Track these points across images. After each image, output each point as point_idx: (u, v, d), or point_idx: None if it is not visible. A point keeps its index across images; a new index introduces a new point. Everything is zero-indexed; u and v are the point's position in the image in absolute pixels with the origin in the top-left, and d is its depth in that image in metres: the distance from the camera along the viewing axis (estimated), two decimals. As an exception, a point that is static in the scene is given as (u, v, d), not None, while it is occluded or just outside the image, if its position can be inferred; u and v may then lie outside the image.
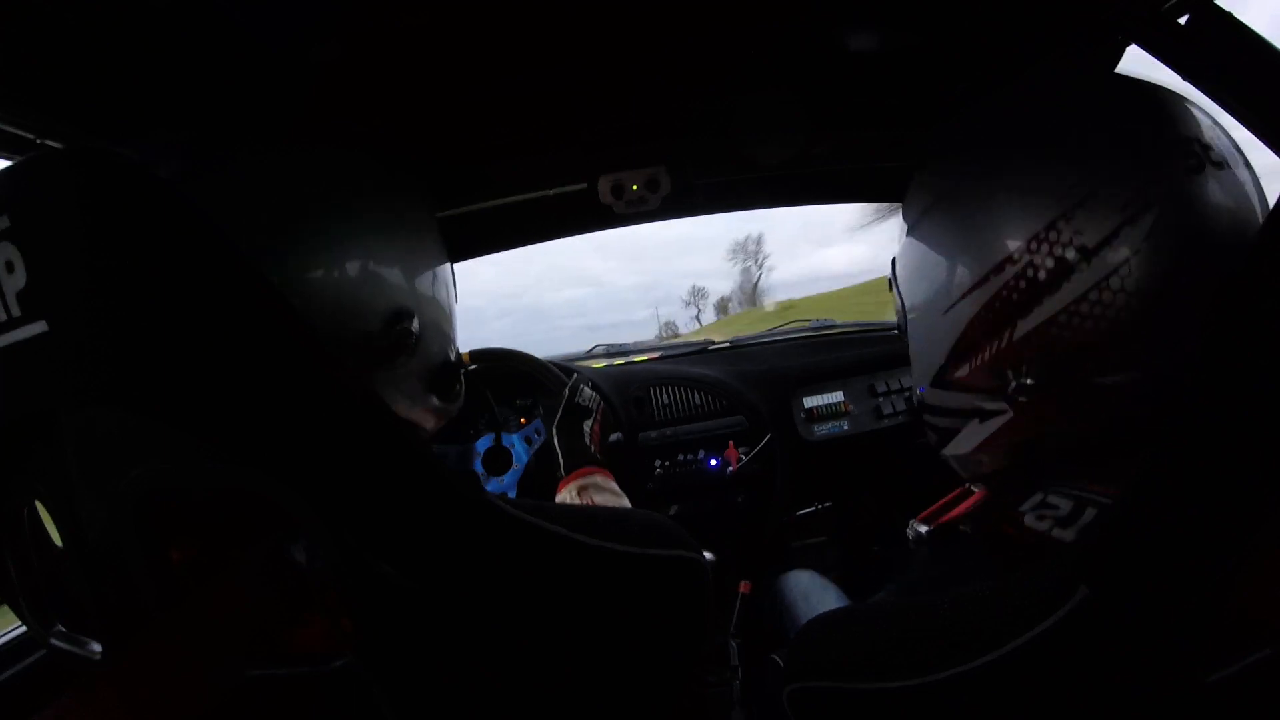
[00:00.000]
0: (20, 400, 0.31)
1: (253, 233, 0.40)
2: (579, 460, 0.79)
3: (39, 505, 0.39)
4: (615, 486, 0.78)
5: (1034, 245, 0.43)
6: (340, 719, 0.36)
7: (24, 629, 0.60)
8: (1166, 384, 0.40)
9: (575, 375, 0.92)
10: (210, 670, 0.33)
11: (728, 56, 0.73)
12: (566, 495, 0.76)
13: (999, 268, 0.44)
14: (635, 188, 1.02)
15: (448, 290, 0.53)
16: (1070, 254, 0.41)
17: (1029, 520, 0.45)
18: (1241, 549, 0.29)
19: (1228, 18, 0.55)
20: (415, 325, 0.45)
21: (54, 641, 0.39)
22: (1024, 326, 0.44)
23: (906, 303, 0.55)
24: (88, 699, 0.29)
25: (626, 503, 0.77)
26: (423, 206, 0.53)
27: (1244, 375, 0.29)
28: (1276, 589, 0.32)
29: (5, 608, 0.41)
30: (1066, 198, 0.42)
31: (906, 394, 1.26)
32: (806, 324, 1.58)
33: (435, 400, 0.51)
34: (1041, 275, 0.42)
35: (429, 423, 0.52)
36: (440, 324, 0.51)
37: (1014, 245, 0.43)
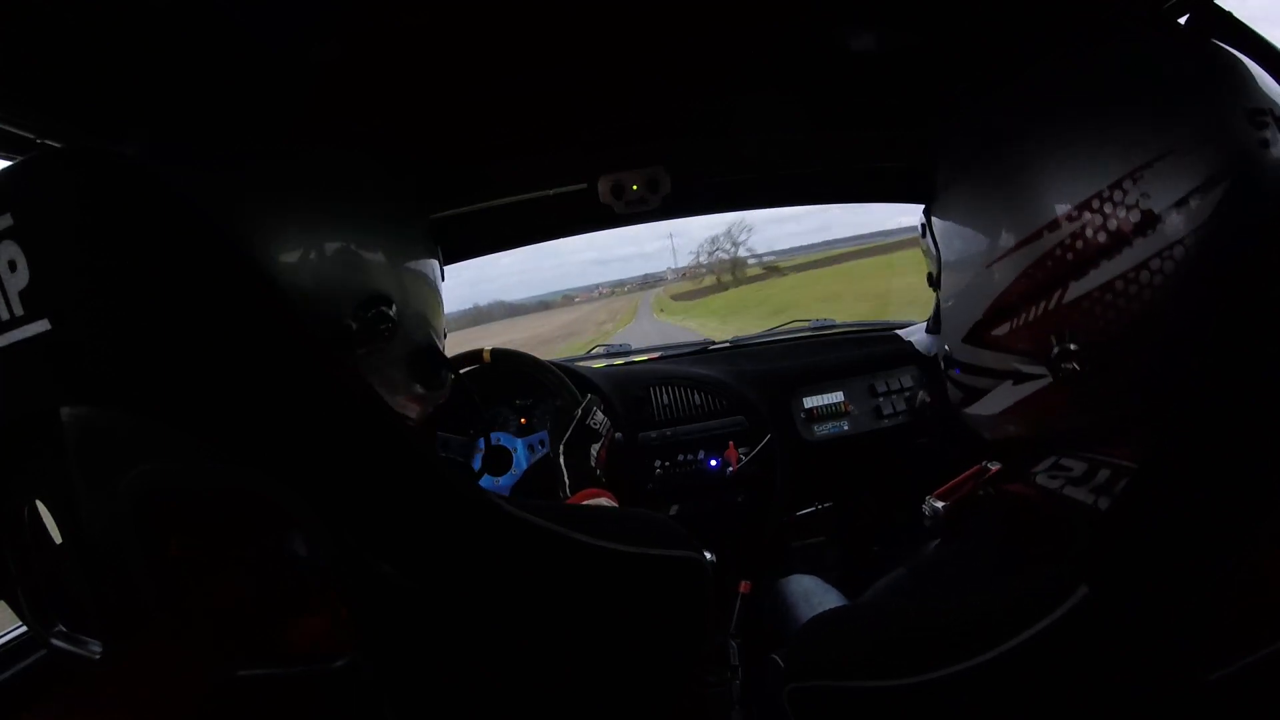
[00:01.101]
0: (22, 399, 0.31)
1: (251, 231, 0.41)
2: (585, 481, 0.80)
3: (40, 504, 0.39)
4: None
5: (1095, 203, 0.40)
6: (340, 719, 0.36)
7: (24, 629, 0.60)
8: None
9: (590, 396, 0.93)
10: (210, 670, 0.33)
11: (728, 56, 0.73)
12: None
13: (1054, 224, 0.42)
14: (635, 188, 1.02)
15: (433, 284, 0.56)
16: (1135, 217, 0.39)
17: (1041, 480, 0.45)
18: (1242, 547, 0.29)
19: (1228, 17, 0.54)
20: (394, 311, 0.47)
21: (54, 641, 0.38)
22: (1076, 290, 0.41)
23: (943, 252, 0.52)
24: (88, 698, 0.29)
25: None
26: (415, 207, 0.55)
27: (1251, 364, 0.29)
28: (1277, 588, 0.32)
29: (5, 607, 0.41)
30: (1136, 156, 0.39)
31: (907, 394, 1.26)
32: (806, 324, 1.58)
33: (419, 388, 0.53)
34: (1101, 237, 0.40)
35: (413, 410, 0.54)
36: (423, 313, 0.53)
37: (1074, 201, 0.41)
